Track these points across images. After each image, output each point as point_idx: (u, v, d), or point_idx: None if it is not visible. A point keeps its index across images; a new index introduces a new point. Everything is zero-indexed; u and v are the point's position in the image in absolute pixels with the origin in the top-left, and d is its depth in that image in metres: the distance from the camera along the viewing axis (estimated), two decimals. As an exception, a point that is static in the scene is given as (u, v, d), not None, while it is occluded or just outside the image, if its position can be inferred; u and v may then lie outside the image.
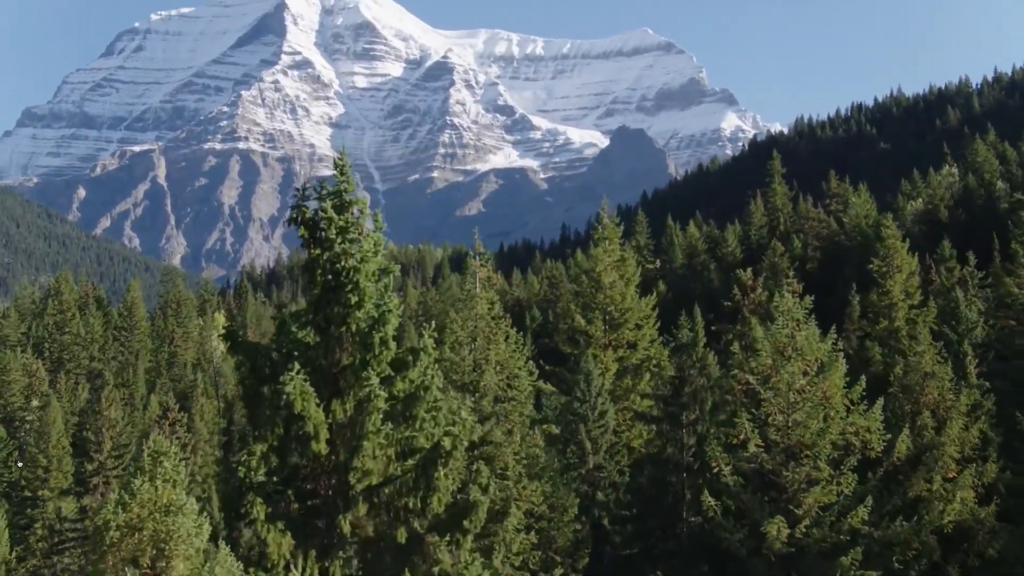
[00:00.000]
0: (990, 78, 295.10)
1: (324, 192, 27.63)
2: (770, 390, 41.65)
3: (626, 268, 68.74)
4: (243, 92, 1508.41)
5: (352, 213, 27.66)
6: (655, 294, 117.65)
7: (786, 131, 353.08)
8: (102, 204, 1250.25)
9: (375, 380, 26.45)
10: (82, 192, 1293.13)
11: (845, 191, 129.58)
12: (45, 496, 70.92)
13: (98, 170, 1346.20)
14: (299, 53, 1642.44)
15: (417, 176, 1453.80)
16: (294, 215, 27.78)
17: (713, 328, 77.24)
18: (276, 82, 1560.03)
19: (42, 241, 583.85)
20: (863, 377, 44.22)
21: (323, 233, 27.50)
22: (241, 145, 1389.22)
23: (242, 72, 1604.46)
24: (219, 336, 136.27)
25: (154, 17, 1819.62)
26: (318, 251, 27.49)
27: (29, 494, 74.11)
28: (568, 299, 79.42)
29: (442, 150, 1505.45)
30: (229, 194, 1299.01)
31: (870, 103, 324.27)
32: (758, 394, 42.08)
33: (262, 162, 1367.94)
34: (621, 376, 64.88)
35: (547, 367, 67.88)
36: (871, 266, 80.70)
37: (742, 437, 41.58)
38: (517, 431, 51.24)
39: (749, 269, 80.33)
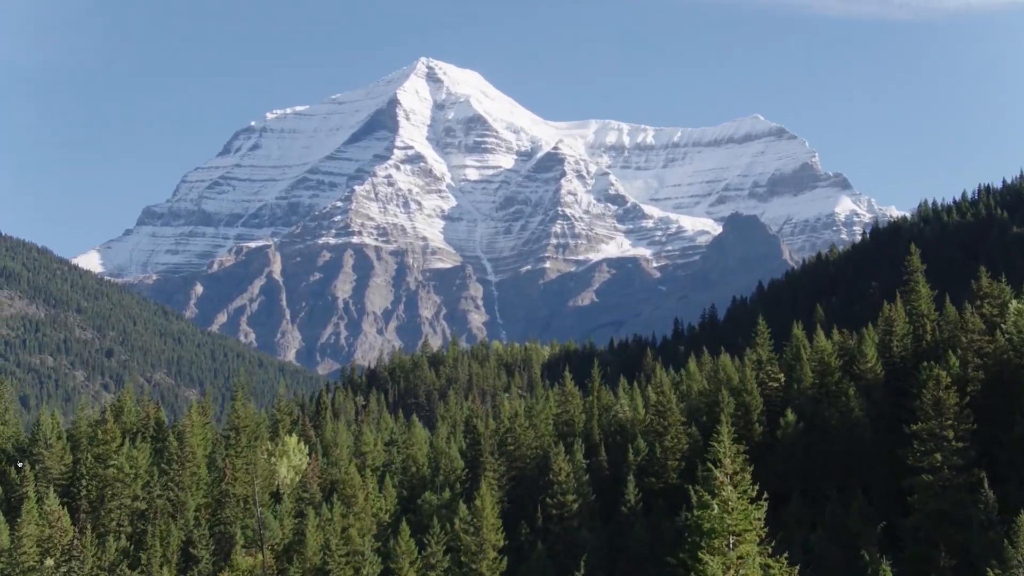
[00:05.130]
0: None
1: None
2: None
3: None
4: (356, 187, 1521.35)
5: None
6: (783, 426, 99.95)
7: (907, 215, 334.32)
8: (219, 300, 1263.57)
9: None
10: (199, 288, 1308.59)
11: (1002, 292, 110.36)
12: None
13: (215, 266, 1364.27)
14: (411, 147, 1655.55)
15: (529, 267, 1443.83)
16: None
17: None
18: (389, 176, 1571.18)
19: (158, 338, 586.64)
20: None
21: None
22: (355, 240, 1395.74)
23: (356, 167, 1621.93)
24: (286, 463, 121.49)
25: (269, 116, 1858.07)
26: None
27: None
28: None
29: (554, 240, 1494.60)
30: (343, 288, 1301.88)
31: (998, 185, 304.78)
32: None
33: (375, 256, 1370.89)
34: None
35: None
36: None
37: None
38: None
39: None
